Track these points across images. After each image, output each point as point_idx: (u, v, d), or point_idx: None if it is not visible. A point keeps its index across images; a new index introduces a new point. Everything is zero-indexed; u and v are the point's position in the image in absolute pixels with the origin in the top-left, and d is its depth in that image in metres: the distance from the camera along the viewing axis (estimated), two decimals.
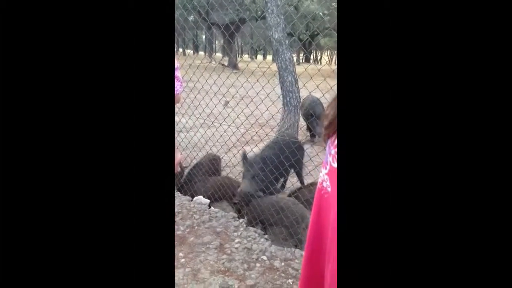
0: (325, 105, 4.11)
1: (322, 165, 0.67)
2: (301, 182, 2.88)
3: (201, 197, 2.59)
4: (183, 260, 1.89)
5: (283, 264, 1.88)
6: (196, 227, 2.22)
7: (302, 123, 3.90)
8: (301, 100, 3.81)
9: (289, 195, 2.40)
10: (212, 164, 2.75)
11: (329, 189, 0.64)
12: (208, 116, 2.84)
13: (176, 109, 1.26)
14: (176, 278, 1.75)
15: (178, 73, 1.08)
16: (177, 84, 1.05)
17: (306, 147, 3.06)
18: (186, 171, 2.78)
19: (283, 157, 2.39)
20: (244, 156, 2.48)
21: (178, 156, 1.16)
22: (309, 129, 4.69)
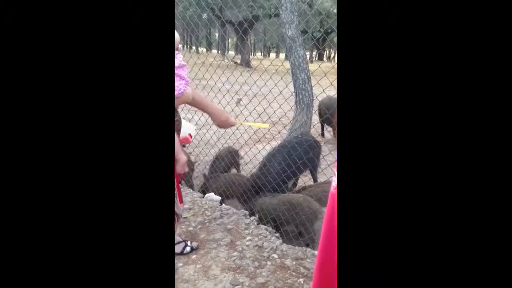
0: None
1: (334, 166, 0.65)
2: (315, 180, 2.86)
3: (212, 194, 2.60)
4: (194, 256, 1.90)
5: (294, 263, 1.86)
6: (207, 224, 2.24)
7: (315, 121, 3.87)
8: (314, 98, 3.77)
9: (298, 192, 2.38)
10: (232, 157, 2.77)
11: None
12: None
13: (187, 107, 1.26)
14: (186, 274, 1.76)
15: (184, 72, 1.07)
16: (181, 83, 1.04)
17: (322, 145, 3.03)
18: (198, 166, 2.80)
19: (297, 155, 2.37)
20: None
21: (183, 158, 1.17)
22: (322, 127, 4.65)
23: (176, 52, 1.07)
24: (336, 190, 0.65)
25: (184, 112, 2.80)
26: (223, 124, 1.44)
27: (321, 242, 0.72)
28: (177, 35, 1.09)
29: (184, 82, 1.06)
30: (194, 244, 1.98)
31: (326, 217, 0.68)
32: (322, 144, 2.94)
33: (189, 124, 1.30)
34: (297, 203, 2.16)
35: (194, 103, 1.25)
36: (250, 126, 0.85)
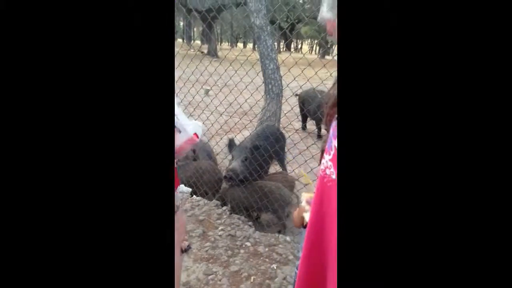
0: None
1: (325, 151, 0.63)
2: (284, 169, 2.91)
3: (182, 185, 2.55)
4: None
5: (267, 249, 1.89)
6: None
7: (284, 110, 3.91)
8: (286, 86, 3.80)
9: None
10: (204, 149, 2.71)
11: (333, 176, 0.60)
12: (189, 104, 2.77)
13: (181, 104, 1.17)
14: None
15: None
16: None
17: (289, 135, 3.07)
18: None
19: (267, 145, 2.39)
20: (231, 141, 2.46)
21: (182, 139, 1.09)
22: (303, 119, 4.68)
23: None
24: (324, 173, 0.63)
25: None
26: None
27: (308, 228, 0.69)
28: (180, 145, 1.01)
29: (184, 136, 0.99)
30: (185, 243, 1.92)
31: (314, 202, 0.66)
32: (306, 135, 2.97)
33: (195, 122, 1.15)
34: (269, 191, 2.18)
35: None
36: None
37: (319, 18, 0.59)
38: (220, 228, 2.08)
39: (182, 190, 2.61)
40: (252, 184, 2.26)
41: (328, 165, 0.61)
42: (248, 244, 1.94)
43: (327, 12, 0.58)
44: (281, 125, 3.80)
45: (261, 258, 1.83)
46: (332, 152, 0.60)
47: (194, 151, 2.50)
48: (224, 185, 2.46)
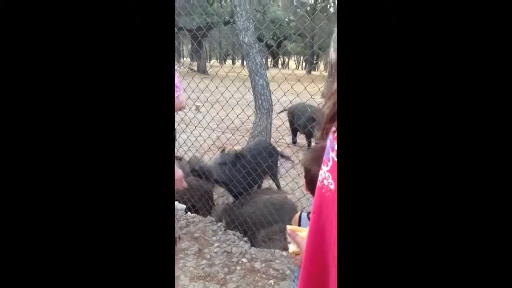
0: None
1: (322, 163, 0.64)
2: (277, 185, 2.91)
3: (177, 202, 2.52)
4: None
5: (263, 265, 1.88)
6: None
7: (274, 125, 3.96)
8: (276, 102, 3.87)
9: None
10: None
11: (331, 187, 0.61)
12: (182, 120, 2.78)
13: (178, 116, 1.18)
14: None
15: (175, 78, 1.04)
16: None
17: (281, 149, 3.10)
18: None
19: (260, 159, 2.40)
20: (223, 151, 2.47)
21: (179, 172, 1.10)
22: (293, 134, 4.71)
23: None
24: (322, 184, 0.64)
25: None
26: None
27: (307, 240, 0.69)
28: (181, 102, 1.08)
29: (176, 89, 1.02)
30: None
31: (313, 213, 0.67)
32: (297, 149, 2.99)
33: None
34: (279, 204, 2.16)
35: None
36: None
37: (328, 58, 0.63)
38: (215, 245, 2.06)
39: (176, 207, 2.59)
40: (257, 197, 2.24)
41: (326, 176, 0.62)
42: (245, 260, 1.92)
43: (333, 53, 0.61)
44: (272, 139, 3.84)
45: (258, 274, 1.81)
46: (329, 164, 0.61)
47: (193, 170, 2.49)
48: (220, 202, 2.45)
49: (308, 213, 0.97)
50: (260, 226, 2.10)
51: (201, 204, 2.48)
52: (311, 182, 0.91)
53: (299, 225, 0.96)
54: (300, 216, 0.98)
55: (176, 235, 1.08)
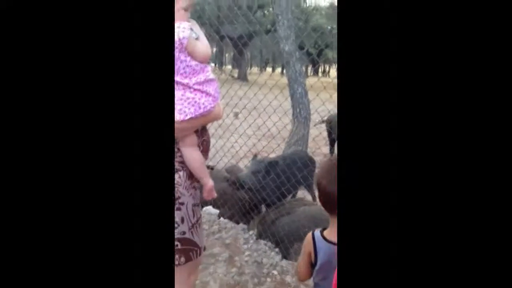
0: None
1: None
2: (312, 197, 2.82)
3: (210, 207, 2.56)
4: None
5: (294, 279, 1.81)
6: (205, 238, 2.19)
7: (312, 134, 3.88)
8: (315, 111, 3.80)
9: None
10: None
11: None
12: (219, 126, 2.83)
13: (212, 127, 1.14)
14: None
15: (212, 87, 0.98)
16: (207, 100, 0.96)
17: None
18: None
19: (295, 170, 2.35)
20: (255, 157, 2.46)
21: (210, 182, 1.07)
22: (331, 144, 4.55)
23: (204, 65, 0.98)
24: None
25: None
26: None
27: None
28: (209, 51, 0.99)
29: (211, 99, 0.97)
30: None
31: None
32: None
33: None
34: (315, 217, 2.09)
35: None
36: None
37: None
38: (246, 254, 2.04)
39: (210, 211, 2.62)
40: (297, 210, 2.19)
41: None
42: (275, 272, 1.87)
43: None
44: (309, 149, 3.76)
45: None
46: None
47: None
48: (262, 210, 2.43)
49: (322, 231, 0.91)
50: (293, 238, 2.04)
51: (234, 211, 2.48)
52: (323, 195, 0.87)
53: (314, 244, 0.90)
54: (313, 235, 0.92)
55: (201, 244, 1.05)
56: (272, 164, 2.31)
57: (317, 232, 0.92)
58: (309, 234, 0.93)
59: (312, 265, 0.92)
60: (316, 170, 2.80)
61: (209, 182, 1.07)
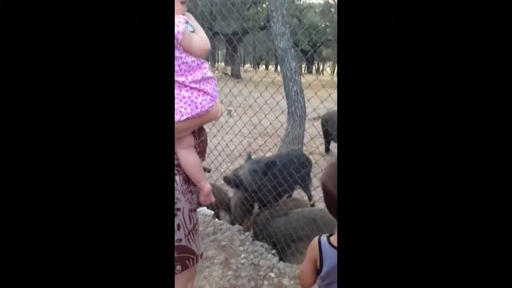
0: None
1: None
2: (309, 197, 2.79)
3: (205, 208, 2.50)
4: None
5: (292, 282, 1.78)
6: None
7: (307, 133, 3.85)
8: (312, 109, 3.76)
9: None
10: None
11: None
12: (213, 125, 2.77)
13: (205, 125, 1.08)
14: None
15: (209, 86, 0.93)
16: (205, 99, 0.90)
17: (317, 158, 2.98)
18: None
19: (292, 170, 2.31)
20: (249, 155, 2.41)
21: (207, 186, 1.03)
22: (328, 142, 4.54)
23: (201, 62, 0.92)
24: None
25: None
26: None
27: None
28: (208, 44, 0.92)
29: (209, 98, 0.91)
30: None
31: None
32: (330, 159, 2.90)
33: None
34: (313, 218, 2.05)
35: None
36: None
37: None
38: (242, 256, 1.99)
39: (204, 212, 2.56)
40: (294, 211, 2.15)
41: None
42: (272, 275, 1.83)
43: None
44: (304, 147, 3.72)
45: None
46: None
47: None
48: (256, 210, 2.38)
49: (328, 237, 0.87)
50: (290, 239, 2.00)
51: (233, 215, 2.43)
52: (327, 198, 0.84)
53: (320, 250, 0.86)
54: (319, 240, 0.88)
55: (198, 251, 1.00)
56: (269, 165, 2.27)
57: (323, 238, 0.87)
58: (315, 240, 0.89)
59: (317, 271, 0.88)
60: (313, 169, 2.77)
61: (206, 186, 1.01)
